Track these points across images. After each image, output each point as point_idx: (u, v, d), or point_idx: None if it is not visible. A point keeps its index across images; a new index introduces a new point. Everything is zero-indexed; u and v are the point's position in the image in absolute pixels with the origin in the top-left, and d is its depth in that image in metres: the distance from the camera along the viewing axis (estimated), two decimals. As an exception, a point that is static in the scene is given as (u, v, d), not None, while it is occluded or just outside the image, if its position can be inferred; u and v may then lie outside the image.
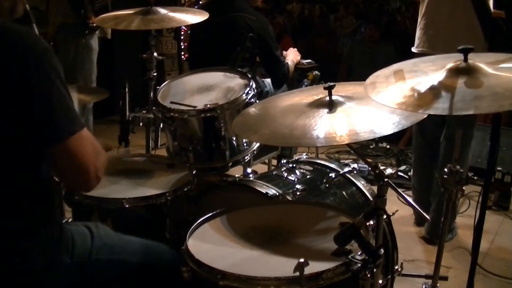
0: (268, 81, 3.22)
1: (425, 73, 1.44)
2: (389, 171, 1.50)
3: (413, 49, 3.03)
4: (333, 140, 1.42)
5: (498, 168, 3.64)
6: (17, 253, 1.31)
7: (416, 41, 3.01)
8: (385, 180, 1.47)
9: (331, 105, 1.54)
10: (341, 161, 4.18)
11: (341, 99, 1.57)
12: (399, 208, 1.85)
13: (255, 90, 2.28)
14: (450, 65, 1.40)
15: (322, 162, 2.28)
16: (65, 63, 3.80)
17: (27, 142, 1.28)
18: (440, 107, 1.28)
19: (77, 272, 1.42)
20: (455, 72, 1.38)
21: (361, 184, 2.12)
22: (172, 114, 2.21)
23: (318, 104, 1.57)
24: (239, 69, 2.46)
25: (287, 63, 3.11)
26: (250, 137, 1.97)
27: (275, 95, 2.01)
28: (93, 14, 3.64)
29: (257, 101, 2.23)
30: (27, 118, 1.25)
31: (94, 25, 3.69)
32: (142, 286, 1.58)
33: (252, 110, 1.80)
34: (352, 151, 2.15)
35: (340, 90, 1.60)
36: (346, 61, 6.03)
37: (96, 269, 1.46)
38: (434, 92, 1.34)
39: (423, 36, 2.96)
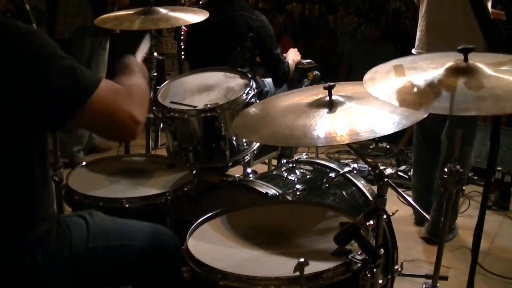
0: (268, 81, 3.22)
1: (425, 70, 1.44)
2: (389, 171, 1.50)
3: (413, 51, 3.02)
4: (333, 140, 1.42)
5: (498, 168, 3.64)
6: (18, 249, 1.31)
7: (416, 43, 3.02)
8: (385, 180, 1.47)
9: (331, 105, 1.54)
10: (341, 161, 4.18)
11: (341, 99, 1.57)
12: (399, 208, 1.85)
13: (255, 90, 2.28)
14: (449, 64, 1.40)
15: (322, 162, 2.28)
16: (78, 61, 3.85)
17: (27, 132, 1.26)
18: (441, 106, 1.28)
19: (77, 263, 1.42)
20: (455, 72, 1.38)
21: (361, 184, 2.12)
22: (172, 114, 2.21)
23: (318, 104, 1.57)
24: (239, 69, 2.46)
25: (288, 61, 3.11)
26: (251, 137, 1.97)
27: (275, 95, 2.01)
28: None
29: (257, 101, 2.23)
30: (31, 101, 1.22)
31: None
32: (145, 268, 1.56)
33: (252, 110, 1.80)
34: (352, 151, 2.15)
35: (340, 90, 1.60)
36: (346, 61, 6.03)
37: (95, 257, 1.45)
38: (434, 90, 1.34)
39: (423, 38, 2.97)
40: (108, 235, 1.50)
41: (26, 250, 1.32)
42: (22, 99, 1.21)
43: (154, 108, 2.30)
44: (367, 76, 1.49)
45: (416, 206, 1.70)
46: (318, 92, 1.64)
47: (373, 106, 1.47)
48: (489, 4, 2.74)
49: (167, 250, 1.58)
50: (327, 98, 1.56)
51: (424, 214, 1.75)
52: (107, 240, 1.49)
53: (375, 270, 1.43)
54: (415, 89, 1.36)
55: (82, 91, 1.26)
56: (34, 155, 1.32)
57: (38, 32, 1.28)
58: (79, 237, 1.45)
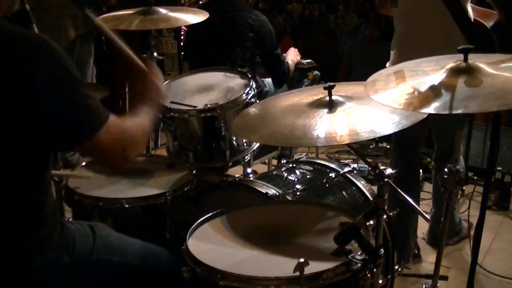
0: (268, 80, 3.22)
1: (425, 73, 1.44)
2: (389, 171, 1.50)
3: (387, 65, 2.71)
4: (333, 140, 1.42)
5: (498, 168, 3.64)
6: (18, 253, 1.31)
7: (391, 57, 2.73)
8: (385, 180, 1.47)
9: (331, 105, 1.54)
10: (341, 161, 4.18)
11: (341, 99, 1.57)
12: (399, 208, 1.85)
13: (255, 90, 2.28)
14: (450, 65, 1.40)
15: (322, 162, 2.28)
16: None
17: (30, 150, 1.25)
18: (432, 106, 1.28)
19: (78, 272, 1.41)
20: (454, 72, 1.37)
21: (361, 184, 2.12)
22: (172, 114, 2.21)
23: (318, 104, 1.57)
24: (239, 69, 2.46)
25: (288, 61, 3.11)
26: (251, 137, 1.97)
27: (275, 95, 2.01)
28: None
29: (257, 101, 2.23)
30: (41, 124, 1.21)
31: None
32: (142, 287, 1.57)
33: (252, 110, 1.80)
34: (352, 151, 2.15)
35: (340, 90, 1.60)
36: (346, 61, 6.03)
37: (97, 269, 1.45)
38: (429, 92, 1.34)
39: (398, 50, 2.69)
40: (112, 250, 1.50)
41: (25, 255, 1.31)
42: (35, 119, 1.20)
43: (154, 108, 2.30)
44: (369, 79, 1.49)
45: (416, 206, 1.69)
46: (318, 92, 1.64)
47: (373, 106, 1.47)
48: (468, 4, 2.53)
49: (164, 274, 1.59)
50: (327, 98, 1.56)
51: (424, 214, 1.75)
52: (111, 255, 1.49)
53: (375, 270, 1.43)
54: (412, 92, 1.36)
55: (94, 124, 1.28)
56: (34, 165, 1.30)
57: (67, 56, 1.27)
58: (83, 246, 1.44)
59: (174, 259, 1.59)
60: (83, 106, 1.27)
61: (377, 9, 2.89)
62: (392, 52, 2.75)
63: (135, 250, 1.56)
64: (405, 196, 1.62)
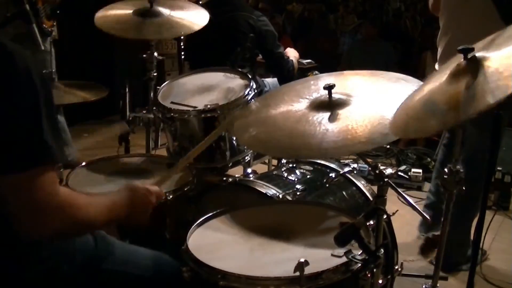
0: (268, 80, 3.22)
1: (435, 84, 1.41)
2: (389, 171, 1.50)
3: (436, 66, 2.75)
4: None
5: (498, 168, 3.64)
6: (15, 262, 1.29)
7: (439, 60, 2.76)
8: (385, 180, 1.47)
9: (331, 106, 1.54)
10: (341, 161, 4.18)
11: (341, 98, 1.56)
12: (399, 208, 1.85)
13: (255, 90, 2.28)
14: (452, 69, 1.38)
15: (322, 162, 2.28)
16: None
17: None
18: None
19: (78, 281, 1.39)
20: (457, 76, 1.35)
21: (361, 184, 2.12)
22: (172, 114, 2.21)
23: (318, 106, 1.57)
24: (239, 69, 2.46)
25: (291, 60, 3.11)
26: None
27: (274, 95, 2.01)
28: (45, 19, 3.60)
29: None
30: None
31: (50, 29, 3.64)
32: None
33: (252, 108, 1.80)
34: (352, 151, 2.15)
35: (340, 86, 1.59)
36: (346, 61, 6.04)
37: (96, 279, 1.43)
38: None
39: (444, 54, 2.69)
40: (114, 261, 1.48)
41: (22, 263, 1.29)
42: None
43: (154, 108, 2.30)
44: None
45: (416, 206, 1.69)
46: (318, 92, 1.64)
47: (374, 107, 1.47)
48: None
49: (168, 281, 1.55)
50: (327, 98, 1.56)
51: (424, 214, 1.75)
52: (113, 265, 1.47)
53: (375, 270, 1.43)
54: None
55: (41, 157, 1.12)
56: None
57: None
58: (84, 255, 1.42)
59: (174, 263, 1.56)
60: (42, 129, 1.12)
61: (431, 10, 2.83)
62: (438, 54, 2.75)
63: (139, 261, 1.53)
64: (405, 195, 1.62)
